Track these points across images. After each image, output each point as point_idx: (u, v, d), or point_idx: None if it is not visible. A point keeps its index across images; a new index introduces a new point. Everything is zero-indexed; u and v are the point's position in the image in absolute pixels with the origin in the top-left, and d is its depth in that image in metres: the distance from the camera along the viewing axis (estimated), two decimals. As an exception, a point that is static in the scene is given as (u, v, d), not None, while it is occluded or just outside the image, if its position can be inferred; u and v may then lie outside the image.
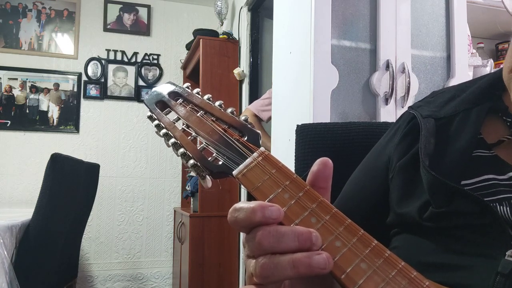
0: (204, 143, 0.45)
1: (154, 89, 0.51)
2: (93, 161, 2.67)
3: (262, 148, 0.43)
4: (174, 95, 0.50)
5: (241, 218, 0.36)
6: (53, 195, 1.88)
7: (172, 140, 0.46)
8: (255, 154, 0.42)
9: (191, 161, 0.44)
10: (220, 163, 0.43)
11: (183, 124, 0.47)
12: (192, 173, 2.85)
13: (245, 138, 0.44)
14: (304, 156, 0.85)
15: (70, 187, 2.11)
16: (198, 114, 0.48)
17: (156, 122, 0.48)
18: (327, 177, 0.40)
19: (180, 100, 0.50)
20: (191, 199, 2.79)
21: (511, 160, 0.49)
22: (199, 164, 0.44)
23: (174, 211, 3.34)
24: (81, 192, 2.30)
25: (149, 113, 0.50)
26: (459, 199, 0.46)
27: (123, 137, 3.38)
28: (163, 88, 0.51)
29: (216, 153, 0.44)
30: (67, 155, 2.04)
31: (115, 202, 3.33)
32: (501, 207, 0.45)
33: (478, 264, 0.43)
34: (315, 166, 0.40)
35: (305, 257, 0.33)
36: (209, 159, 0.44)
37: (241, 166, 0.41)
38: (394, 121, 0.81)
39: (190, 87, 0.51)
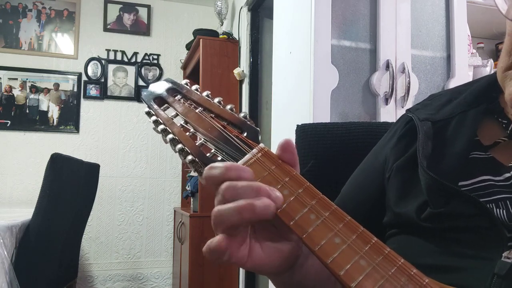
0: (203, 139, 0.45)
1: (152, 85, 0.51)
2: (93, 161, 2.67)
3: (261, 145, 0.43)
4: (172, 91, 0.50)
5: (216, 174, 0.38)
6: (53, 195, 1.88)
7: (170, 136, 0.46)
8: (254, 151, 0.42)
9: (189, 157, 0.44)
10: (219, 159, 0.43)
11: (182, 120, 0.47)
12: (192, 173, 2.85)
13: (245, 135, 0.44)
14: (304, 156, 0.85)
15: (70, 187, 2.11)
16: (197, 111, 0.47)
17: (154, 118, 0.48)
18: (292, 159, 0.42)
19: (179, 97, 0.49)
20: (191, 199, 2.79)
21: (507, 162, 0.49)
22: (197, 160, 0.43)
23: (174, 211, 3.34)
24: (81, 192, 2.30)
25: (147, 109, 0.49)
26: (457, 200, 0.46)
27: (123, 137, 3.37)
28: (162, 85, 0.51)
29: (215, 149, 0.44)
30: (67, 155, 2.03)
31: (115, 202, 3.32)
32: (498, 209, 0.46)
33: (474, 266, 0.43)
34: (278, 151, 0.42)
35: (248, 203, 0.36)
36: (207, 155, 0.44)
37: (240, 162, 0.41)
38: (394, 121, 0.81)
39: (189, 84, 0.50)
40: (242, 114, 0.46)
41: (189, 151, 0.44)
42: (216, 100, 0.48)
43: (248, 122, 0.45)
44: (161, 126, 0.47)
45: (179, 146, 0.45)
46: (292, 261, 0.43)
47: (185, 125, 0.47)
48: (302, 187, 0.39)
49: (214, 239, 0.37)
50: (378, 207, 0.57)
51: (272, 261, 0.41)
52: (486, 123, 0.54)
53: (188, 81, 0.50)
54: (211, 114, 0.47)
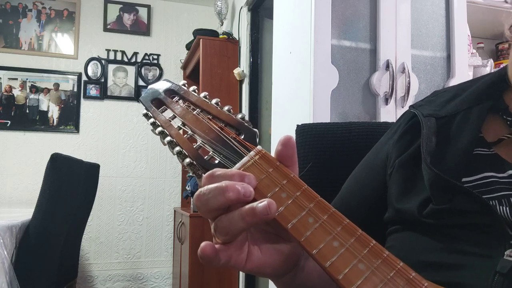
0: (200, 142, 0.44)
1: (150, 86, 0.51)
2: (93, 161, 2.67)
3: (259, 147, 0.42)
4: (170, 92, 0.50)
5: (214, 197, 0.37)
6: (53, 195, 1.87)
7: (168, 138, 0.45)
8: (252, 153, 0.41)
9: (187, 160, 0.43)
10: (217, 161, 0.43)
11: (179, 122, 0.47)
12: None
13: (242, 137, 0.44)
14: (304, 156, 0.85)
15: (70, 187, 2.10)
16: (194, 112, 0.47)
17: (152, 120, 0.48)
18: (291, 155, 0.42)
19: (176, 98, 0.49)
20: (191, 199, 2.79)
21: (511, 159, 0.49)
22: (195, 163, 0.43)
23: (174, 211, 3.34)
24: (81, 192, 2.30)
25: (145, 111, 0.49)
26: (460, 196, 0.46)
27: (123, 137, 3.37)
28: (159, 86, 0.51)
29: (213, 151, 0.43)
30: (67, 155, 2.03)
31: (115, 202, 3.32)
32: (501, 206, 0.45)
33: (476, 263, 0.43)
34: (278, 146, 0.42)
35: (250, 208, 0.36)
36: (205, 157, 0.43)
37: (238, 165, 0.41)
38: (394, 121, 0.81)
39: (186, 85, 0.50)
40: (239, 116, 0.46)
41: (187, 154, 0.44)
42: (213, 101, 0.48)
43: (246, 124, 0.45)
44: (159, 129, 0.46)
45: (177, 148, 0.44)
46: (294, 261, 0.43)
47: (183, 127, 0.46)
48: (300, 190, 0.39)
49: (202, 245, 0.37)
50: (380, 204, 0.57)
51: (272, 263, 0.41)
52: (491, 120, 0.54)
53: (186, 82, 0.50)
54: (209, 116, 0.46)
